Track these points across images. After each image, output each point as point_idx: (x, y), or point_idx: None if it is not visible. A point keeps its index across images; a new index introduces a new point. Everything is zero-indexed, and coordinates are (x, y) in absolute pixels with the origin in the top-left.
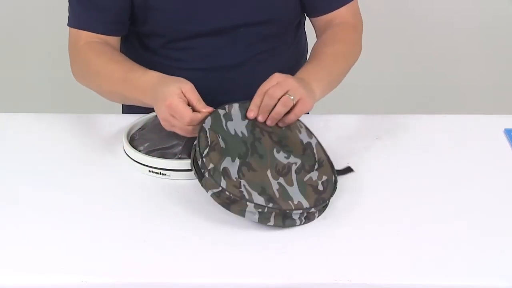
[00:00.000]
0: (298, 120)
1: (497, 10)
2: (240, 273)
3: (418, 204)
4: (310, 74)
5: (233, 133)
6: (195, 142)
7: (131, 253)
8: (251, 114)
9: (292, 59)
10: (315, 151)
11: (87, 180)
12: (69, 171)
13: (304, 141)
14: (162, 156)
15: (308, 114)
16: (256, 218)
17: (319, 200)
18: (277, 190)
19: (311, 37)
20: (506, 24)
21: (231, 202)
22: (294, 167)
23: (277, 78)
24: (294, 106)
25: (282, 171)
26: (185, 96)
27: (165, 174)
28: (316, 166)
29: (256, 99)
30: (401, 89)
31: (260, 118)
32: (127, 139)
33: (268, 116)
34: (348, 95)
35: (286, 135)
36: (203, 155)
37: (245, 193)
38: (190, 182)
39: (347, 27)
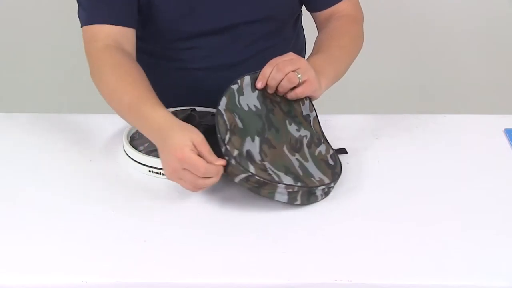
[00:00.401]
0: None
1: (497, 10)
2: (240, 273)
3: (418, 204)
4: (316, 66)
5: (246, 109)
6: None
7: (131, 253)
8: (258, 84)
9: None
10: (311, 124)
11: (87, 180)
12: (69, 171)
13: (304, 113)
14: None
15: None
16: (286, 199)
17: (335, 175)
18: (299, 167)
19: (308, 32)
20: (506, 24)
21: (261, 186)
22: (305, 141)
23: (291, 55)
24: (299, 85)
25: (296, 145)
26: (196, 148)
27: (165, 174)
28: (322, 139)
29: (266, 70)
30: (401, 89)
31: (269, 90)
32: (127, 139)
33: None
34: (348, 95)
35: (293, 106)
36: (225, 142)
37: (273, 175)
38: None
39: (350, 20)
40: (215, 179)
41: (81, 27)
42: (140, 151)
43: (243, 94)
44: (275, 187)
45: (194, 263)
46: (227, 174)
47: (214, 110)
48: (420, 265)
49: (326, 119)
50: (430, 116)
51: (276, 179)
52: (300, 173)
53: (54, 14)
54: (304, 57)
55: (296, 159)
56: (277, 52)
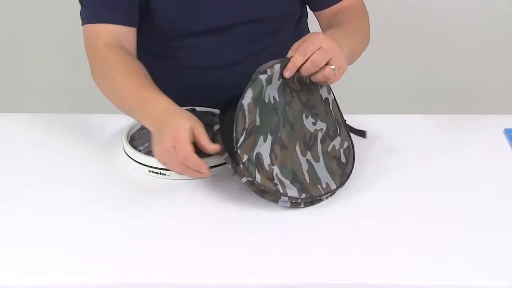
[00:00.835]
0: None
1: (497, 10)
2: (240, 273)
3: (418, 204)
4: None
5: (267, 101)
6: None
7: (131, 253)
8: (287, 73)
9: None
10: (331, 107)
11: (87, 180)
12: (69, 171)
13: (323, 97)
14: None
15: None
16: (289, 205)
17: (344, 177)
18: (307, 171)
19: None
20: (506, 24)
21: (265, 192)
22: (319, 135)
23: (320, 41)
24: None
25: (310, 142)
26: (194, 135)
27: (165, 174)
28: (338, 130)
29: (297, 60)
30: (401, 89)
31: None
32: (127, 139)
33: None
34: (348, 95)
35: (312, 93)
36: (238, 145)
37: (279, 186)
38: (190, 182)
39: (359, 11)
40: (199, 174)
41: (82, 25)
42: (140, 151)
43: (270, 84)
44: (279, 197)
45: (194, 263)
46: (236, 173)
47: (214, 110)
48: (420, 265)
49: None
50: (430, 116)
51: (281, 190)
52: (307, 180)
53: (54, 14)
54: None
55: (307, 160)
56: (276, 52)
